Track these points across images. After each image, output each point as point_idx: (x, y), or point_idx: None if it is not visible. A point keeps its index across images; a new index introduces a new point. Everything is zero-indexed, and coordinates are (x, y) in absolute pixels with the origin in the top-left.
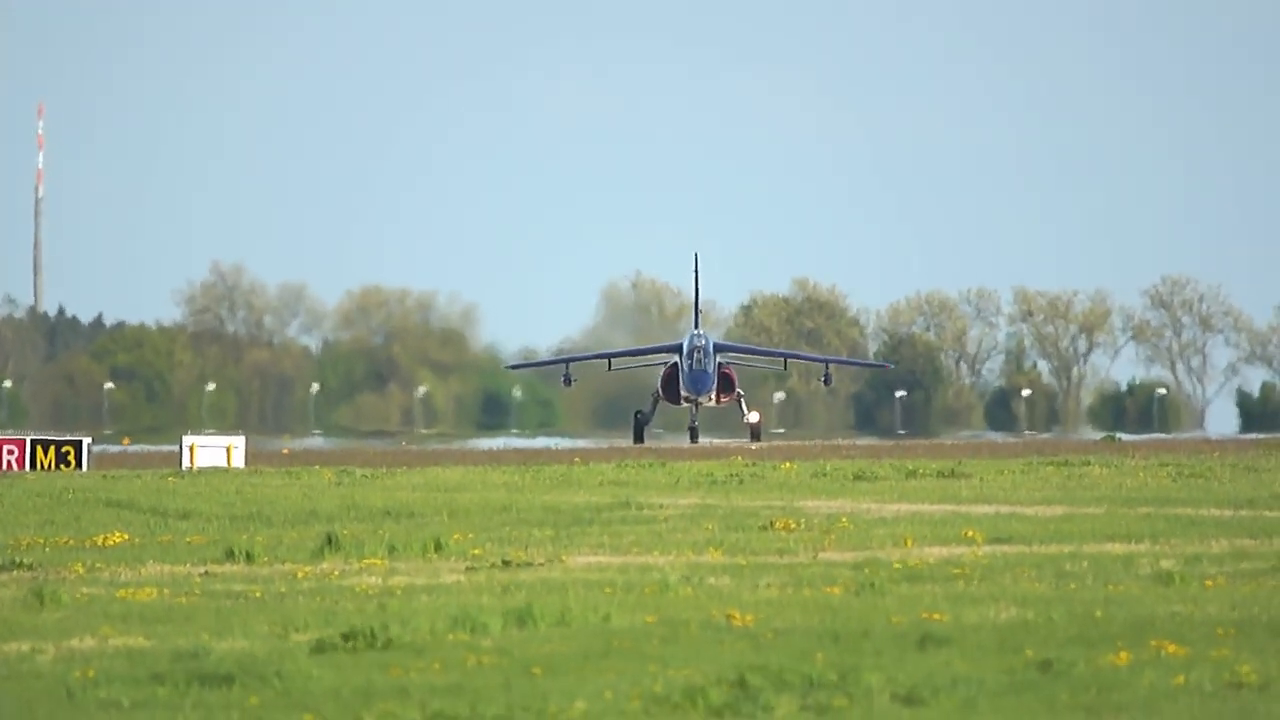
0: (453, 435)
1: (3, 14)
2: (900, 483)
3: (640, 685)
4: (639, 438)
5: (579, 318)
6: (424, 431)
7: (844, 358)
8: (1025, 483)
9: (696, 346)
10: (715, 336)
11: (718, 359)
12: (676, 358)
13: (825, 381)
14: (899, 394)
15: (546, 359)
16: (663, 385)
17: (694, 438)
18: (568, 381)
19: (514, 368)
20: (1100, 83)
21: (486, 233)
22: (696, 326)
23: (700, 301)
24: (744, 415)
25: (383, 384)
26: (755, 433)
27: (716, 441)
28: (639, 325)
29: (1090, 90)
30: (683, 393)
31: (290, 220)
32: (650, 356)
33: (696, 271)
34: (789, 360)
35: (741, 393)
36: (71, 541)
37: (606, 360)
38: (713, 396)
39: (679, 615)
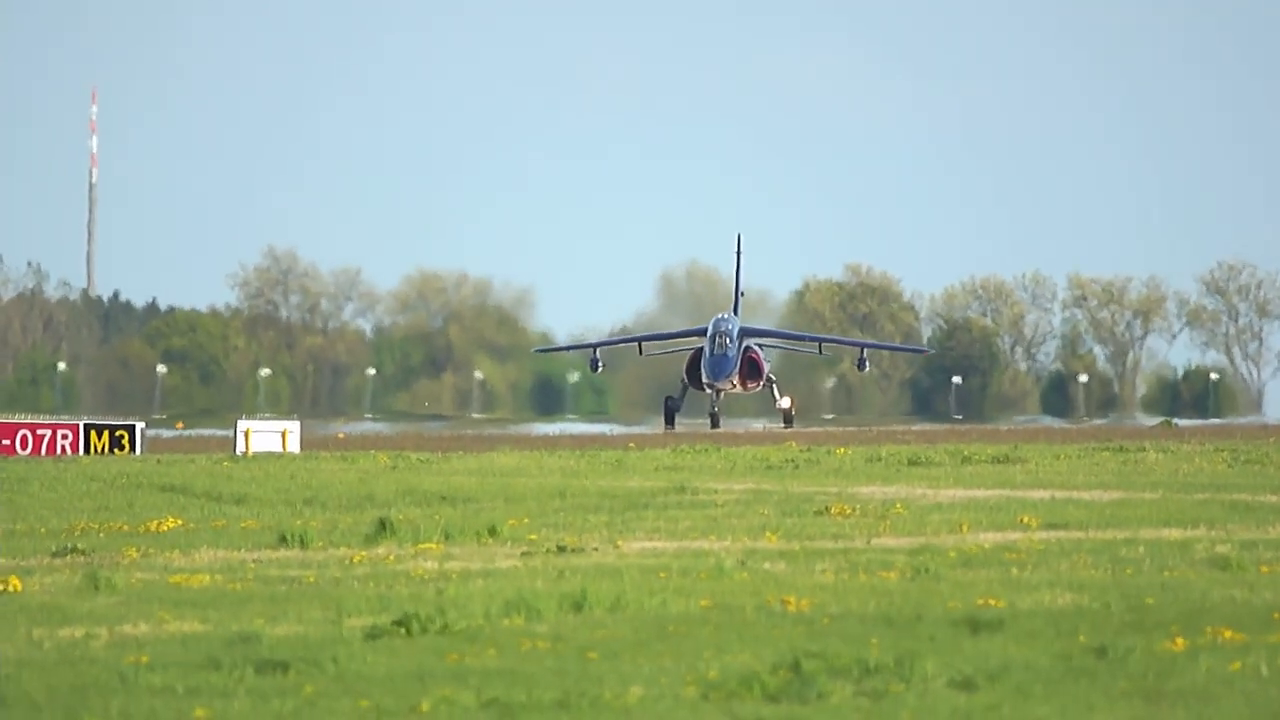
0: (508, 420)
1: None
2: (955, 468)
3: (695, 671)
4: (669, 423)
5: (633, 303)
6: (478, 416)
7: (880, 342)
8: (1081, 468)
9: (720, 331)
10: (766, 322)
11: (744, 344)
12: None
13: (859, 366)
14: (955, 379)
15: (572, 343)
16: (687, 371)
17: (714, 423)
18: (594, 366)
19: (542, 351)
20: (1158, 66)
21: (543, 217)
22: (736, 311)
23: (753, 288)
24: (776, 401)
25: (439, 369)
26: (787, 418)
27: (736, 428)
28: (694, 311)
29: (1148, 74)
30: (703, 378)
31: (344, 205)
32: (680, 341)
33: (739, 253)
34: (824, 345)
35: (773, 378)
36: (125, 527)
37: (638, 344)
38: (736, 382)
39: (734, 600)
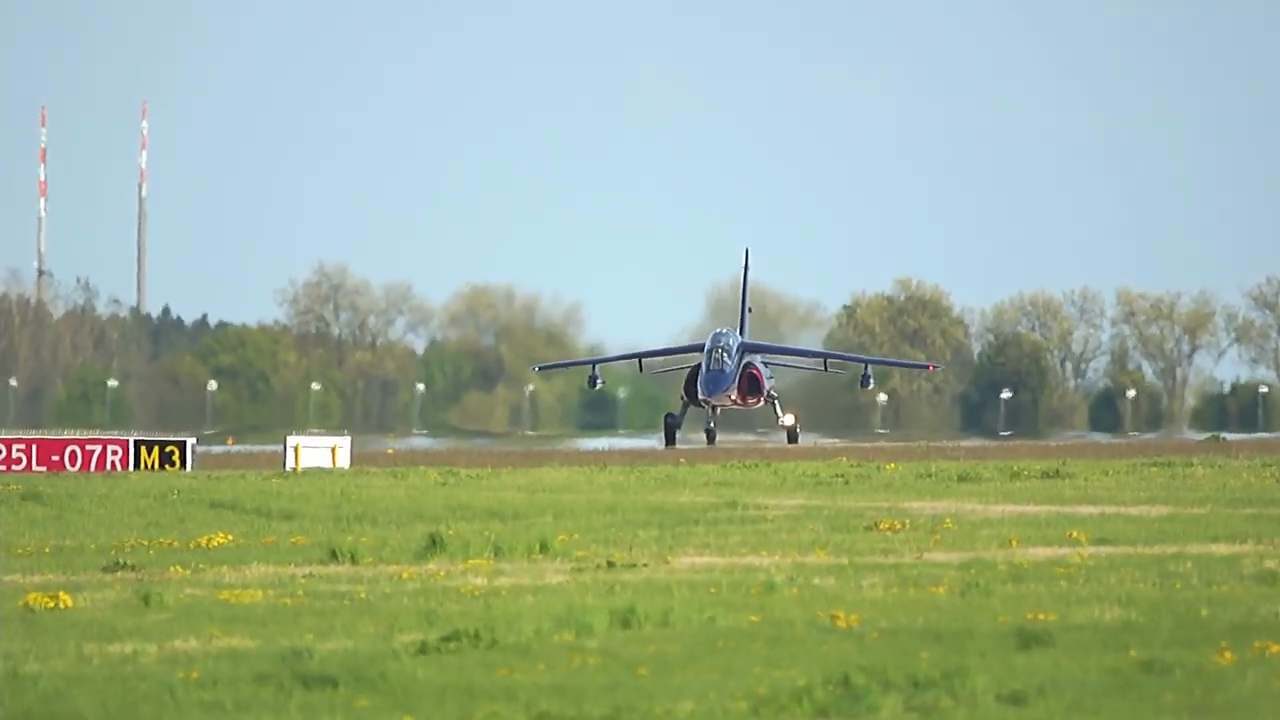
0: (558, 435)
1: (107, 14)
2: (1005, 484)
3: (745, 686)
4: (670, 440)
5: (681, 318)
6: (529, 434)
7: (884, 358)
8: (1129, 483)
9: (717, 346)
10: (816, 337)
11: (745, 360)
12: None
13: (863, 384)
14: (1004, 394)
15: (576, 359)
16: (685, 386)
17: (710, 439)
18: (593, 383)
19: (544, 368)
20: (1205, 82)
21: (593, 233)
22: (742, 326)
23: (802, 302)
24: (779, 418)
25: (490, 383)
26: (791, 435)
27: (733, 443)
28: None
29: (1195, 91)
30: (699, 394)
31: (394, 220)
32: (681, 358)
33: (746, 268)
34: (829, 361)
35: (776, 395)
36: (175, 543)
37: (639, 361)
38: (736, 398)
39: (784, 616)
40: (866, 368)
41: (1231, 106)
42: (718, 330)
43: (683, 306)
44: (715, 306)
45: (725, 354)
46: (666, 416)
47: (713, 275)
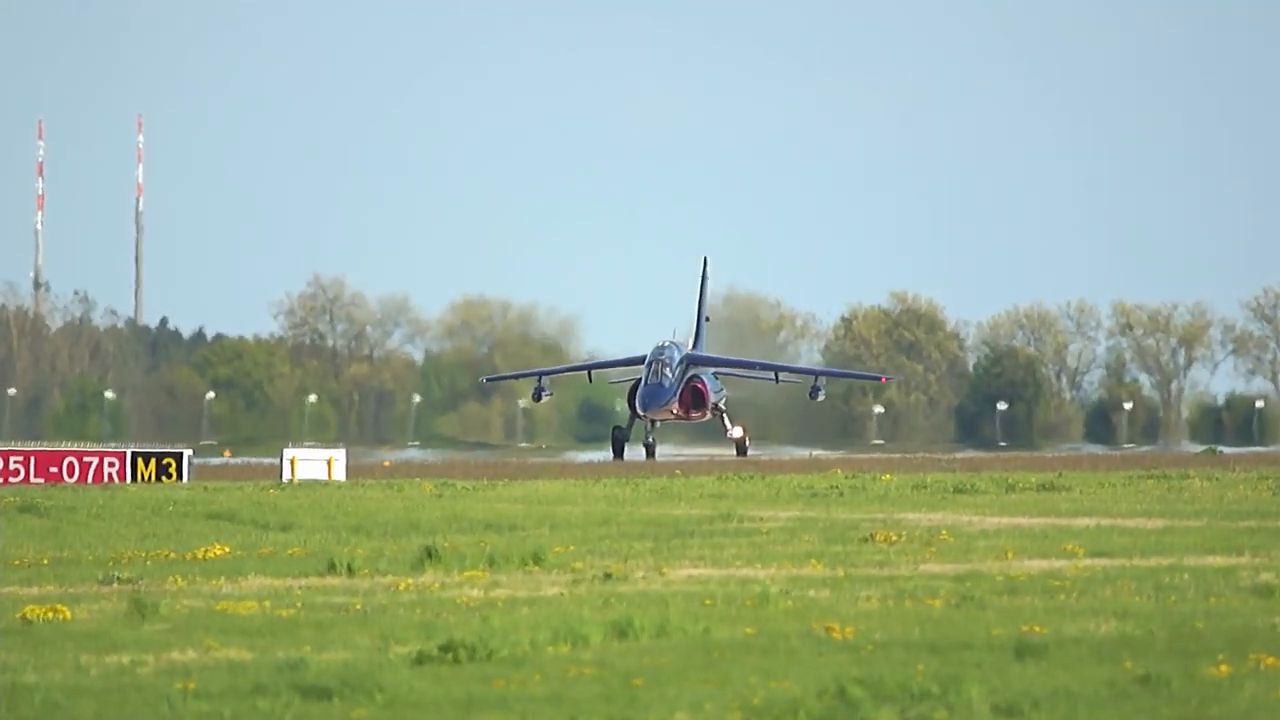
0: (554, 448)
1: (102, 28)
2: (1000, 496)
3: (740, 697)
4: (618, 454)
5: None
6: (524, 445)
7: (834, 369)
8: (1125, 496)
9: (657, 359)
10: (813, 349)
11: (690, 373)
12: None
13: (813, 395)
14: (1000, 407)
15: (524, 371)
16: (628, 399)
17: (649, 454)
18: (538, 396)
19: (491, 380)
20: (1201, 95)
21: (587, 245)
22: (697, 337)
23: (799, 314)
24: (727, 430)
25: (486, 395)
26: (740, 448)
27: (675, 457)
28: (733, 338)
29: (1191, 104)
30: (636, 407)
31: (391, 232)
32: (628, 370)
33: (704, 276)
34: (780, 374)
35: (723, 408)
36: (172, 554)
37: (587, 373)
38: (677, 411)
39: (779, 628)
40: (817, 379)
41: (1227, 119)
42: (660, 343)
43: (677, 318)
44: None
45: (665, 367)
46: (614, 429)
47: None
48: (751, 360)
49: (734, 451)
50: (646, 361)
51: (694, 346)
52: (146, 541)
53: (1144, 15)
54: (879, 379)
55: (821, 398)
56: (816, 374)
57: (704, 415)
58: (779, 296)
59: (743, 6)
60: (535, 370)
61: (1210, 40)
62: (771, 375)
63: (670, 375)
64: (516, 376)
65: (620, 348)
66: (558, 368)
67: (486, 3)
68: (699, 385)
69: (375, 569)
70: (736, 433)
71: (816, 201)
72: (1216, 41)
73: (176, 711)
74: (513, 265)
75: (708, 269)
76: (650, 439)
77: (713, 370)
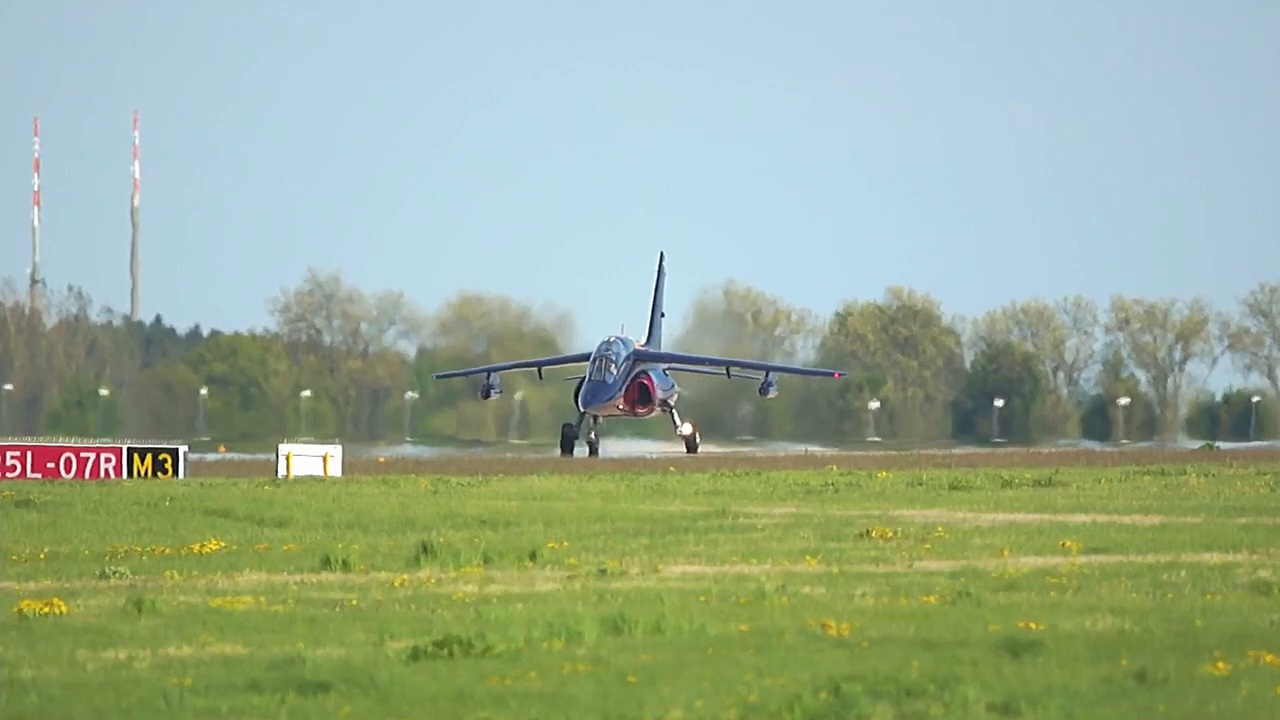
0: (549, 444)
1: (98, 25)
2: (996, 492)
3: (735, 694)
4: (567, 449)
5: (668, 327)
6: (519, 441)
7: (786, 365)
8: (1122, 492)
9: (601, 355)
10: (808, 345)
11: (637, 369)
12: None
13: (762, 391)
14: (997, 403)
15: (473, 368)
16: (574, 395)
17: (592, 451)
18: (486, 393)
19: (441, 377)
20: (1199, 90)
21: (583, 241)
22: (651, 333)
23: (795, 309)
24: (676, 427)
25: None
26: (690, 445)
27: (623, 452)
28: (731, 333)
29: (1190, 96)
30: (579, 404)
31: (386, 229)
32: (577, 366)
33: (660, 273)
34: (731, 369)
35: (671, 404)
36: (168, 550)
37: (538, 369)
38: (622, 407)
39: (774, 624)
40: (767, 375)
41: (1225, 115)
42: (606, 339)
43: (671, 315)
44: (700, 314)
45: (610, 363)
46: (564, 426)
47: (703, 283)
48: (700, 356)
49: (684, 448)
50: (591, 358)
51: (647, 342)
52: (143, 537)
53: (1141, 13)
54: (832, 374)
55: (773, 394)
56: (767, 369)
57: (651, 411)
58: (776, 293)
59: (738, 5)
60: (484, 367)
61: (1208, 37)
62: (723, 370)
63: (615, 371)
64: (466, 374)
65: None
66: (505, 364)
67: (485, 1)
68: (645, 381)
69: (371, 565)
70: (686, 429)
71: (813, 198)
72: (1214, 38)
73: (173, 707)
74: (508, 263)
75: (664, 264)
76: (593, 435)
77: (664, 366)
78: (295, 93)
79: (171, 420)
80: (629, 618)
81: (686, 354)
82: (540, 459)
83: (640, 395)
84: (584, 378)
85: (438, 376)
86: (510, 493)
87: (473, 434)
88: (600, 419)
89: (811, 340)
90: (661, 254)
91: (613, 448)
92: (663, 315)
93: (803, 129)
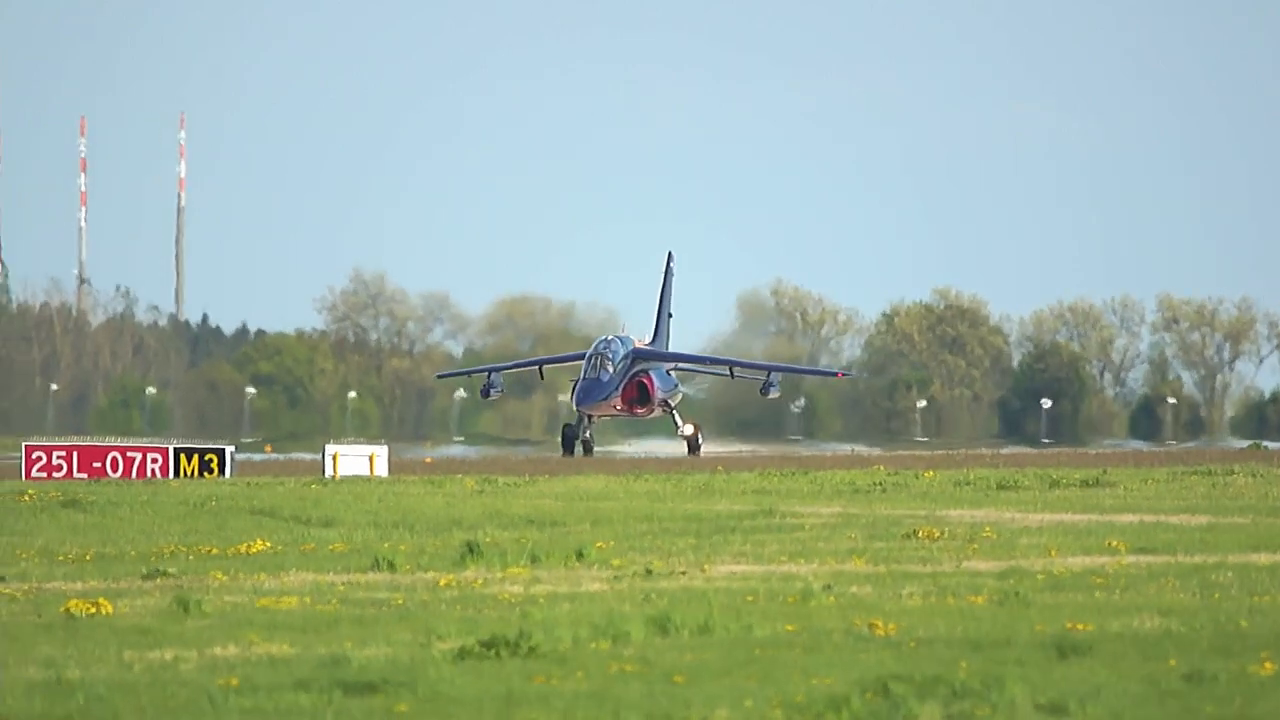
0: (617, 440)
1: (145, 25)
2: (1044, 492)
3: (782, 694)
4: (568, 449)
5: (718, 325)
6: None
7: (789, 365)
8: (1170, 492)
9: (597, 353)
10: (854, 345)
11: (636, 368)
12: None
13: (763, 392)
14: (1045, 403)
15: (476, 367)
16: (571, 394)
17: (586, 450)
18: (486, 393)
19: (442, 376)
20: (1249, 89)
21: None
22: (656, 332)
23: (842, 309)
24: (678, 427)
25: (527, 391)
26: (691, 445)
27: (623, 452)
28: (778, 332)
29: (1238, 96)
30: (572, 403)
31: (432, 229)
32: (579, 365)
33: (668, 270)
34: (734, 369)
35: (673, 404)
36: (215, 550)
37: (539, 368)
38: (619, 407)
39: (821, 624)
40: (769, 375)
41: (1276, 113)
42: (603, 338)
43: (718, 315)
44: (747, 313)
45: (606, 362)
46: (564, 426)
47: (751, 283)
48: (702, 355)
49: (685, 449)
50: (586, 356)
51: (652, 341)
52: (189, 537)
53: (1191, 12)
54: (835, 374)
55: (775, 394)
56: (769, 369)
57: (650, 411)
58: (822, 292)
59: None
60: (486, 366)
61: (1263, 38)
62: (725, 370)
63: (610, 370)
64: (469, 373)
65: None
66: (507, 364)
67: (532, 2)
68: (644, 380)
69: (417, 565)
70: (687, 430)
71: (861, 199)
72: (1263, 38)
73: (218, 707)
74: (553, 262)
75: (672, 264)
76: (587, 435)
77: (667, 366)
78: (341, 93)
79: (218, 420)
80: (676, 618)
81: (686, 353)
82: (586, 458)
83: (639, 395)
84: (579, 377)
85: (439, 376)
86: (556, 492)
87: (519, 434)
88: (595, 419)
89: (858, 340)
90: (670, 254)
91: (613, 449)
92: (670, 315)
93: (850, 129)
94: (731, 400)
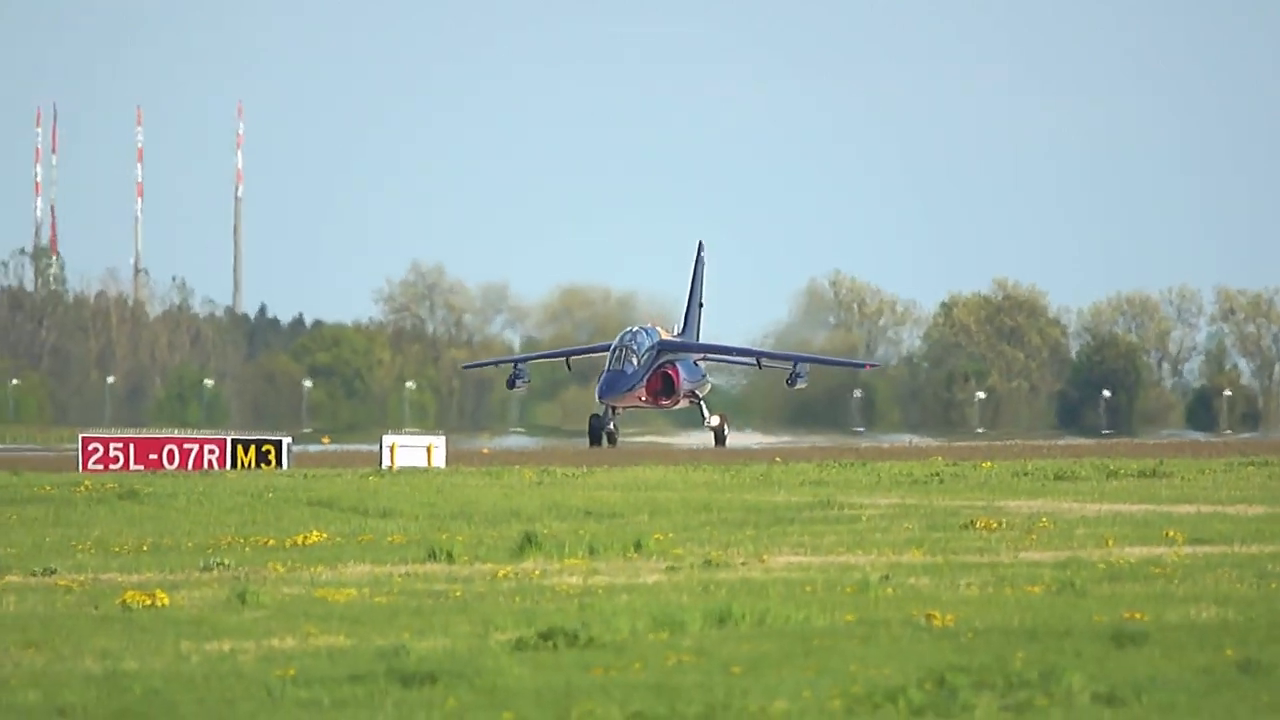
0: (651, 433)
1: (203, 15)
2: (1101, 483)
3: (840, 684)
4: (595, 441)
5: (772, 316)
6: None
7: (816, 356)
8: (1227, 482)
9: (622, 345)
10: (913, 335)
11: (662, 359)
12: None
13: (790, 383)
14: (1105, 394)
15: (503, 358)
16: (597, 385)
17: (610, 441)
18: (511, 384)
19: (468, 367)
20: None
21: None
22: (686, 323)
23: (901, 300)
24: (705, 419)
25: (586, 381)
26: (718, 437)
27: (635, 442)
28: (838, 323)
29: None
30: (596, 394)
31: (489, 219)
32: (605, 356)
33: (698, 262)
34: (762, 360)
35: (700, 395)
36: (272, 541)
37: (565, 360)
38: (644, 398)
39: (879, 615)
40: (795, 365)
41: None
42: (628, 329)
43: (776, 304)
44: (809, 304)
45: (630, 354)
46: (592, 417)
47: (810, 273)
48: (729, 345)
49: (712, 440)
50: (611, 348)
51: (682, 331)
52: (246, 528)
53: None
54: (864, 365)
55: (802, 385)
56: (796, 360)
57: (675, 403)
58: (881, 284)
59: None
60: (512, 357)
61: None
62: (753, 361)
63: (635, 362)
64: (496, 363)
65: (717, 334)
66: (533, 354)
67: None
68: (670, 372)
69: (475, 556)
70: (714, 421)
71: (919, 190)
72: None
73: (276, 699)
74: (610, 253)
75: (703, 253)
76: (612, 426)
77: (695, 357)
78: (399, 84)
79: (275, 411)
80: (734, 609)
81: (713, 344)
82: (645, 448)
83: (664, 386)
84: (604, 368)
85: (464, 367)
86: (615, 483)
87: (576, 425)
88: (618, 409)
89: (916, 331)
90: (700, 243)
91: (642, 440)
92: (701, 305)
93: (909, 121)
94: (788, 392)
